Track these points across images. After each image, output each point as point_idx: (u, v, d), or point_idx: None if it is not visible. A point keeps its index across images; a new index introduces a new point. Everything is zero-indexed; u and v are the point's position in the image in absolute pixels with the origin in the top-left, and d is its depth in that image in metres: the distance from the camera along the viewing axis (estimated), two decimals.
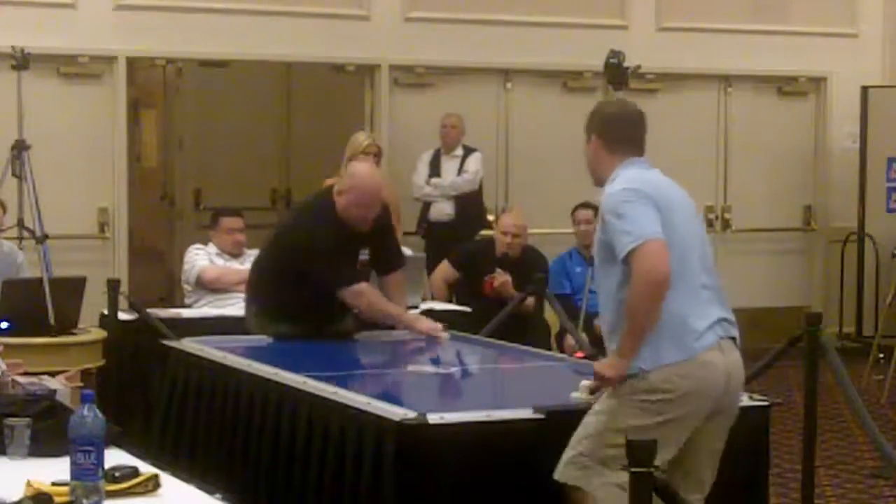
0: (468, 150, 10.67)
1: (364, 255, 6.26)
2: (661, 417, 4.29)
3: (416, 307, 7.45)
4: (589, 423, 4.36)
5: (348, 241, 6.16)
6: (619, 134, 4.58)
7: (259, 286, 6.42)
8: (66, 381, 4.65)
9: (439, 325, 6.24)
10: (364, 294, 6.16)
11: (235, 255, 8.09)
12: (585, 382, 4.56)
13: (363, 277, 6.26)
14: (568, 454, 4.35)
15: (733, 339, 4.50)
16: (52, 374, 4.79)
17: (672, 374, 4.31)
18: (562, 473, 4.35)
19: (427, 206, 10.59)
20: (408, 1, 11.06)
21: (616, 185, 4.45)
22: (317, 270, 6.10)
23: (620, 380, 4.34)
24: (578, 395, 4.57)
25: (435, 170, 10.61)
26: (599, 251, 4.48)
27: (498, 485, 4.37)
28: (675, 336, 4.32)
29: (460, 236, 9.85)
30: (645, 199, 4.36)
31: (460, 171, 10.60)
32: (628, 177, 4.47)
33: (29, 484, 3.47)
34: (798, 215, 12.31)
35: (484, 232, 10.01)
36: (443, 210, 10.55)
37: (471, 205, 10.63)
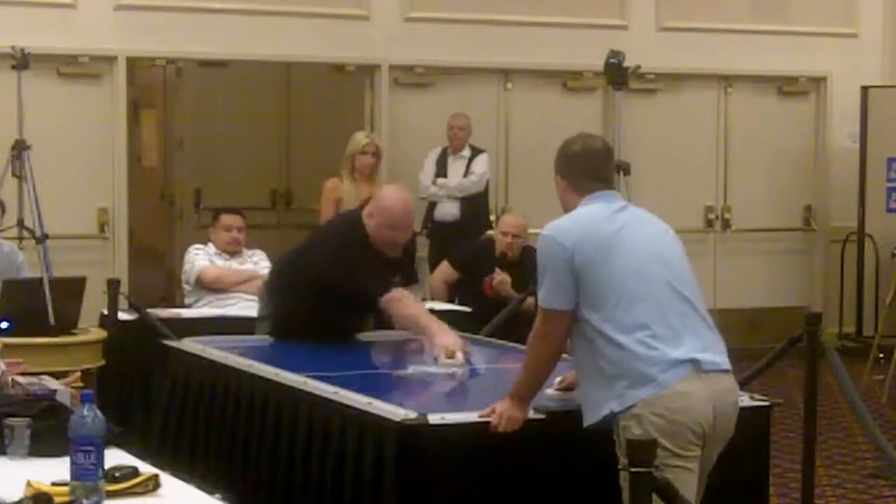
0: (475, 151, 10.68)
1: (396, 279, 6.08)
2: (667, 460, 4.15)
3: None
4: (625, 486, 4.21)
5: (381, 264, 5.99)
6: (582, 171, 4.55)
7: (274, 303, 6.29)
8: (68, 384, 4.65)
9: (458, 344, 5.69)
10: (398, 300, 5.88)
11: (232, 253, 8.10)
12: (557, 379, 4.64)
13: None
14: None
15: (723, 370, 4.37)
16: (53, 375, 4.79)
17: (647, 414, 4.22)
18: None
19: (432, 206, 10.59)
20: (408, 1, 11.07)
21: (551, 227, 4.45)
22: (353, 283, 5.87)
23: (519, 423, 4.34)
24: (551, 391, 4.64)
25: (441, 170, 10.61)
26: None
27: (498, 485, 4.36)
28: (640, 371, 4.24)
29: (465, 236, 9.85)
30: (564, 257, 4.32)
31: (466, 172, 10.60)
32: (570, 220, 4.48)
33: (29, 484, 3.47)
34: (798, 215, 12.31)
35: (489, 232, 10.02)
36: (448, 210, 10.55)
37: (476, 205, 10.64)
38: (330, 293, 5.90)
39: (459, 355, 5.58)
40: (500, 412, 4.37)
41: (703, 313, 4.45)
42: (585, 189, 4.52)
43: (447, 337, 5.68)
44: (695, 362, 4.29)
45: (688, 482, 4.23)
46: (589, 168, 4.55)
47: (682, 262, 4.54)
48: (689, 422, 4.26)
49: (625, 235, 4.42)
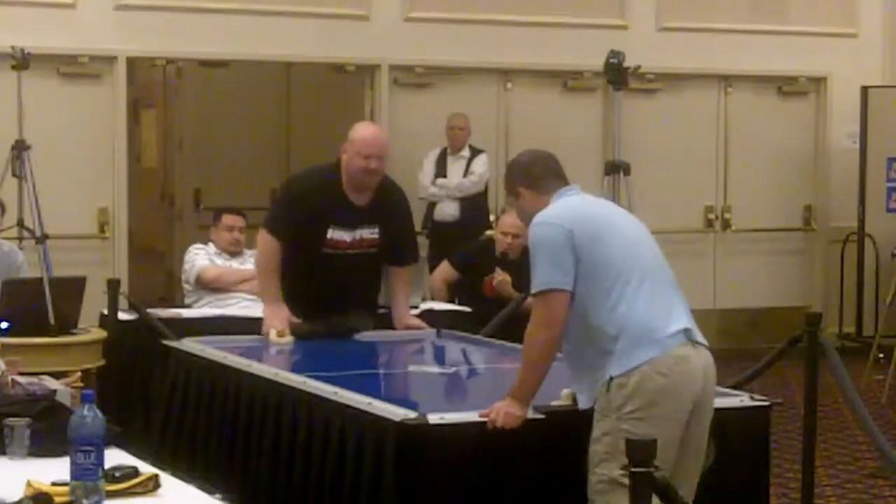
0: (475, 152, 10.68)
1: (372, 233, 6.16)
2: (656, 419, 4.28)
3: (416, 307, 7.45)
4: (595, 452, 4.34)
5: (344, 206, 6.08)
6: (542, 172, 4.67)
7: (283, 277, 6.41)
8: (68, 384, 4.65)
9: (279, 328, 6.00)
10: (265, 242, 6.16)
11: (232, 253, 8.09)
12: (566, 391, 4.57)
13: (371, 257, 6.20)
14: (590, 482, 4.35)
15: (706, 346, 4.50)
16: (53, 375, 4.79)
17: (650, 372, 4.31)
18: (591, 502, 4.36)
19: (432, 206, 10.59)
20: (408, 1, 11.07)
21: (543, 214, 4.52)
22: (272, 204, 6.18)
23: (518, 421, 4.35)
24: (560, 403, 4.57)
25: (441, 170, 10.62)
26: None
27: (498, 485, 4.37)
28: (642, 337, 4.34)
29: (465, 236, 9.85)
30: (562, 237, 4.40)
31: (466, 172, 10.61)
32: (555, 208, 4.54)
33: (29, 484, 3.47)
34: (798, 215, 12.31)
35: (488, 232, 10.01)
36: (448, 211, 10.56)
37: (476, 205, 10.65)
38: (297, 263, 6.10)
39: (288, 336, 5.93)
40: (497, 408, 4.38)
41: (680, 291, 4.56)
42: (550, 188, 4.63)
43: (275, 314, 6.06)
44: (688, 332, 4.42)
45: (674, 435, 4.30)
46: (546, 169, 4.69)
47: (655, 244, 4.66)
48: (688, 386, 4.36)
49: (612, 219, 4.60)
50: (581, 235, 4.40)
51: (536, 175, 4.66)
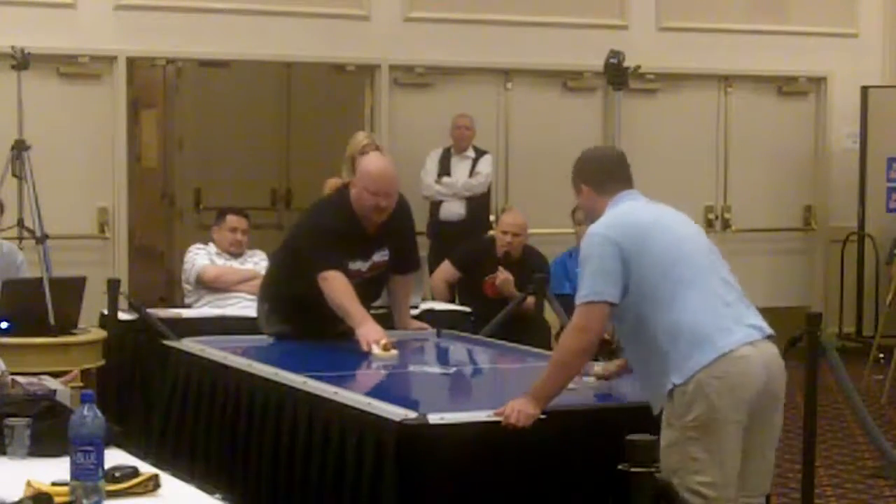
0: (479, 152, 10.68)
1: (382, 256, 6.12)
2: (718, 425, 4.29)
3: (416, 307, 7.46)
4: (666, 463, 4.25)
5: (360, 237, 6.04)
6: (602, 174, 4.68)
7: (271, 284, 6.34)
8: (66, 382, 4.65)
9: (381, 341, 5.73)
10: (329, 280, 5.86)
11: (234, 254, 8.10)
12: (596, 368, 4.74)
13: (380, 275, 6.18)
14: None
15: (768, 337, 4.52)
16: (53, 375, 4.79)
17: (707, 378, 4.30)
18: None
19: (436, 206, 10.57)
20: (408, 1, 11.07)
21: (596, 225, 4.54)
22: (307, 249, 5.98)
23: (532, 420, 4.35)
24: (589, 379, 4.76)
25: (445, 169, 10.60)
26: None
27: (498, 485, 4.36)
28: (697, 341, 4.33)
29: (469, 236, 9.85)
30: (613, 249, 4.40)
31: (472, 172, 10.59)
32: (611, 217, 4.56)
33: (29, 484, 3.47)
34: (798, 215, 12.31)
35: (490, 232, 10.01)
36: (454, 210, 10.54)
37: (481, 205, 10.65)
38: (299, 258, 5.98)
39: (394, 350, 5.68)
40: (512, 406, 4.38)
41: (742, 296, 4.60)
42: (609, 191, 4.63)
43: (372, 330, 5.76)
44: (748, 329, 4.44)
45: (736, 440, 4.36)
46: (608, 170, 4.70)
47: (710, 243, 4.70)
48: (747, 384, 4.36)
49: (661, 223, 4.58)
50: (630, 248, 4.41)
51: (597, 175, 4.67)
